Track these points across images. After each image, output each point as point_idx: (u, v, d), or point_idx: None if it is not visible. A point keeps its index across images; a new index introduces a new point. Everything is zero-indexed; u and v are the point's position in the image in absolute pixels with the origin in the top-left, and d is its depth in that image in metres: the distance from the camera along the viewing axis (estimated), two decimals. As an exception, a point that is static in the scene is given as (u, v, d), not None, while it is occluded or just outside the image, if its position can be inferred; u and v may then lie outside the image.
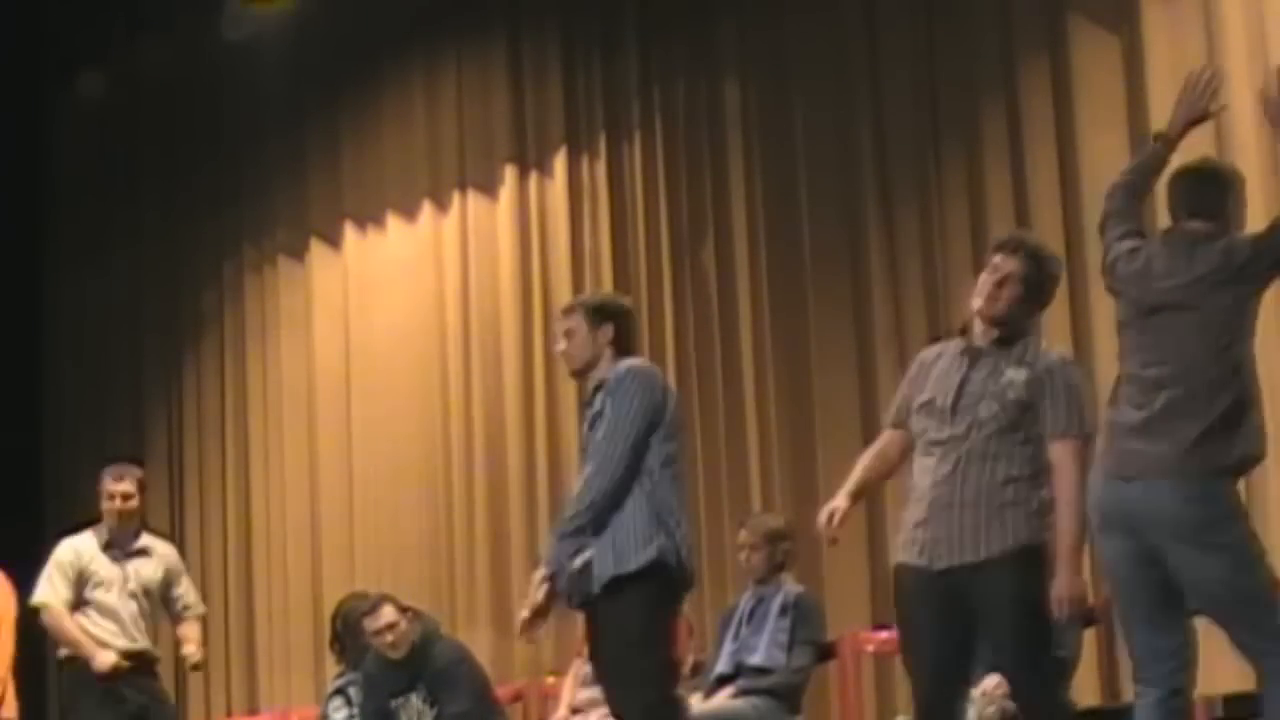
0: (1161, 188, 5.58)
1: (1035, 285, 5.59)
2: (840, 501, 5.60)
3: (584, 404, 6.27)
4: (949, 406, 5.52)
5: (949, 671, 5.50)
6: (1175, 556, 5.15)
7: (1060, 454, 5.41)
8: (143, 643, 8.43)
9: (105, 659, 8.26)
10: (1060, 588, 5.34)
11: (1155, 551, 5.18)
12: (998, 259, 5.60)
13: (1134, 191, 5.52)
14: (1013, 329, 5.56)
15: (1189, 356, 5.19)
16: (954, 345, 5.69)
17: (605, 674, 6.06)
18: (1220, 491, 5.19)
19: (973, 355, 5.59)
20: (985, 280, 5.60)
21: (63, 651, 8.49)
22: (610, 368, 6.09)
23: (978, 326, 5.63)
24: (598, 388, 6.07)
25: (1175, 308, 5.23)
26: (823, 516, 5.59)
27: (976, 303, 5.60)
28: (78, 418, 12.88)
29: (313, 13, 11.66)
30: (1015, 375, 5.50)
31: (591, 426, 6.03)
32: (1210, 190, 5.39)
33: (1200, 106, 5.45)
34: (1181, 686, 5.25)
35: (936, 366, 5.64)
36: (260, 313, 12.10)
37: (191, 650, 8.44)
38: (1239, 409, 5.18)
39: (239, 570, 11.95)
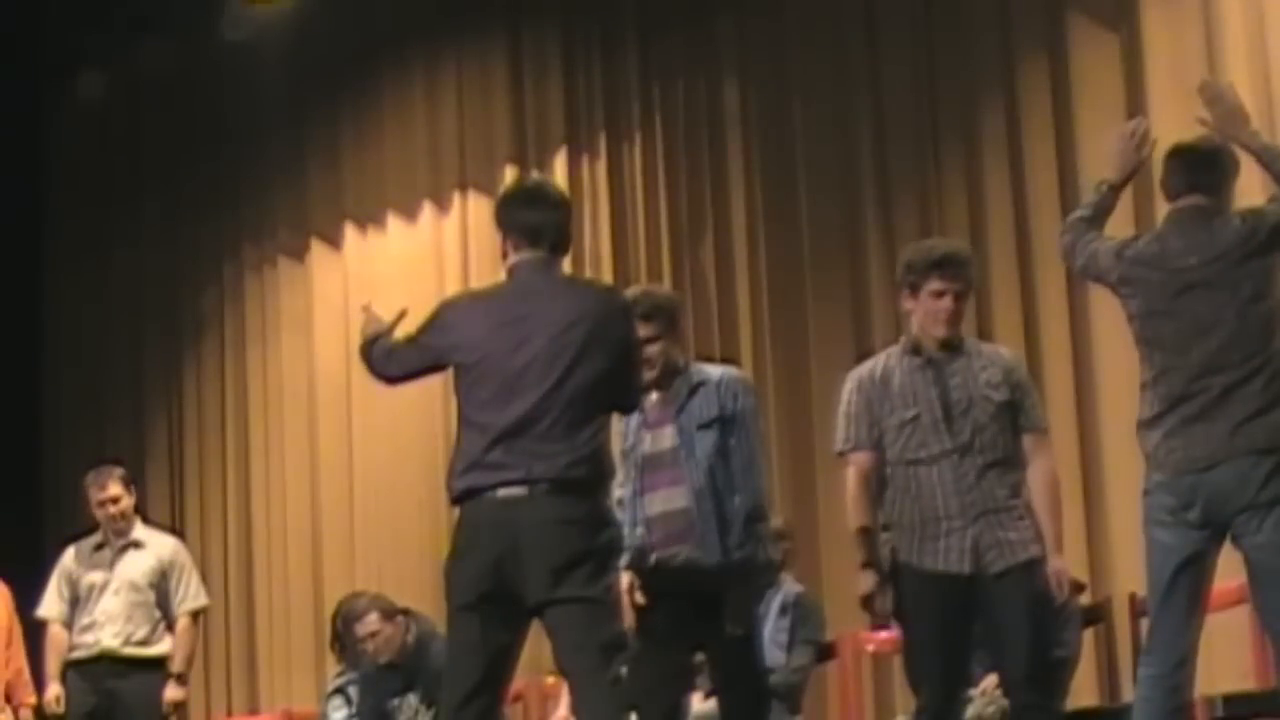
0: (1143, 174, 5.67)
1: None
2: (870, 583, 5.61)
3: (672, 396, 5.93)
4: (942, 418, 5.54)
5: (959, 674, 5.61)
6: (1243, 527, 5.15)
7: (1039, 446, 5.55)
8: (128, 632, 8.40)
9: (47, 693, 8.45)
10: (1059, 568, 5.49)
11: (1218, 531, 5.17)
12: (939, 284, 5.63)
13: (1090, 226, 5.57)
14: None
15: (1231, 332, 5.18)
16: (906, 362, 5.69)
17: None
18: None
19: (936, 367, 5.63)
20: (943, 307, 5.63)
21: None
22: (693, 364, 6.04)
23: (927, 341, 5.67)
24: (695, 385, 5.89)
25: (1203, 286, 5.23)
26: (876, 606, 5.63)
27: (940, 330, 5.65)
28: (78, 418, 12.87)
29: (313, 13, 11.66)
30: (989, 376, 5.58)
31: (710, 426, 5.85)
32: (1212, 169, 5.43)
33: (1134, 157, 5.55)
34: (1186, 682, 5.25)
35: (894, 384, 5.65)
36: (261, 313, 12.10)
37: (173, 693, 8.42)
38: None
39: (239, 570, 11.95)
